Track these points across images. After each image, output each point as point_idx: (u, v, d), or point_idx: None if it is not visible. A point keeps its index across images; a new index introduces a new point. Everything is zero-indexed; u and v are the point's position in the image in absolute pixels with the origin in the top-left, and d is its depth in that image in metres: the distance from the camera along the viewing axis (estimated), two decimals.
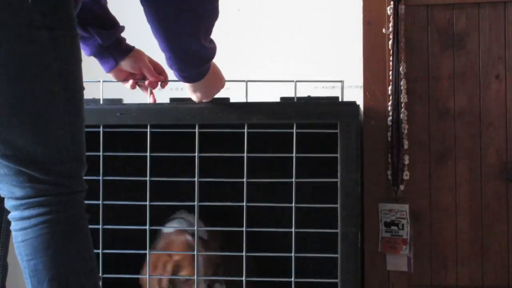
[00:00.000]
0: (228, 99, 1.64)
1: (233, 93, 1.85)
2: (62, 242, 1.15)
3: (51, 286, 1.13)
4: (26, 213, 1.14)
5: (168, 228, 1.77)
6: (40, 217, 1.14)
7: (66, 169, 1.17)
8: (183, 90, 2.05)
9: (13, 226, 1.17)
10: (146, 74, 1.59)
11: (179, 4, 1.24)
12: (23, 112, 1.11)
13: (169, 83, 1.68)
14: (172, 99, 1.68)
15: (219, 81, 1.56)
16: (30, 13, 1.08)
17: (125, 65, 1.56)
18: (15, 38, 1.08)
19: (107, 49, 1.53)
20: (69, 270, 1.15)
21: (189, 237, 1.72)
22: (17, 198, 1.15)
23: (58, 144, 1.15)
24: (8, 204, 1.18)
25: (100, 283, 1.22)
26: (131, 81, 1.60)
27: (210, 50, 1.40)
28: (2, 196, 1.19)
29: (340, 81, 1.65)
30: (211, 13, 1.30)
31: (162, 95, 2.03)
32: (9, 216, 1.18)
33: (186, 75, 1.44)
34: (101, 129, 1.63)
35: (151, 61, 1.61)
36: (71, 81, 1.15)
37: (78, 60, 1.18)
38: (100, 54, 1.54)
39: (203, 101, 1.59)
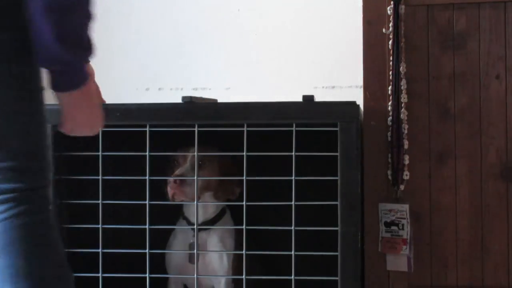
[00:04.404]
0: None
1: (233, 93, 1.86)
2: (27, 238, 1.11)
3: (16, 283, 1.08)
4: None
5: None
6: (4, 213, 1.11)
7: (33, 165, 1.14)
8: (183, 90, 2.08)
9: None
10: None
11: None
12: None
13: (172, 84, 1.67)
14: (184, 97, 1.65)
15: (97, 111, 1.22)
16: None
17: None
18: None
19: None
20: (34, 268, 1.10)
21: None
22: None
23: (23, 141, 1.12)
24: None
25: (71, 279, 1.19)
26: None
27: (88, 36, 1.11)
28: None
29: None
30: None
31: (163, 95, 2.04)
32: None
33: (60, 60, 1.09)
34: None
35: None
36: (31, 82, 1.13)
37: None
38: None
39: (77, 132, 1.20)
